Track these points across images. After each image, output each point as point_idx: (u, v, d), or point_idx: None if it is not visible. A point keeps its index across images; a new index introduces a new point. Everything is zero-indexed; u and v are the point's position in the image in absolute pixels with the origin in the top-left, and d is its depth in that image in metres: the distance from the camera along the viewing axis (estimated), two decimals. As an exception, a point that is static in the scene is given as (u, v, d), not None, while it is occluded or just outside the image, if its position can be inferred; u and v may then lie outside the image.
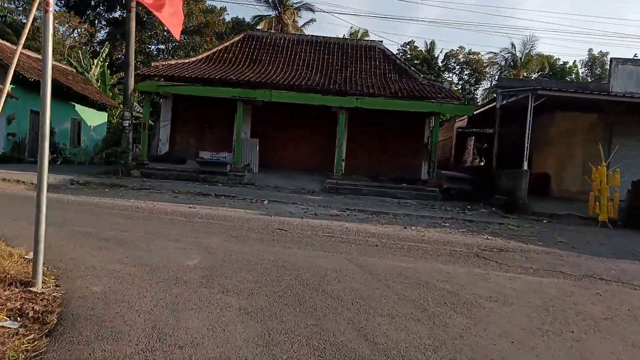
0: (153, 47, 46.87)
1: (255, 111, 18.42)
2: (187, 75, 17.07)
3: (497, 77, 54.04)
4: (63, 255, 5.17)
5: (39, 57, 23.77)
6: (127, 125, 15.94)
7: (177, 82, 16.49)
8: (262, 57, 20.38)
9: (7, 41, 23.01)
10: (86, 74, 29.19)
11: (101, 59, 30.55)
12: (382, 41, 21.77)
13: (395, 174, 17.48)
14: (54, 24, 23.67)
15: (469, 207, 13.71)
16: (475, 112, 16.40)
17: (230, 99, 16.15)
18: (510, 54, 47.57)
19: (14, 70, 16.52)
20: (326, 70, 19.64)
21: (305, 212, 10.94)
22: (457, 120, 21.58)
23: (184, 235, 6.98)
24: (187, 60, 20.13)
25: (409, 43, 55.25)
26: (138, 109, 29.85)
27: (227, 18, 47.32)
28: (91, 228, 6.98)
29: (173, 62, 19.81)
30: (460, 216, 12.02)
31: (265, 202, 12.12)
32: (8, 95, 18.29)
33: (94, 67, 30.31)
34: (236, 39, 21.92)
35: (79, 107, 23.63)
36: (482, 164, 22.46)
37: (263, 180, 15.96)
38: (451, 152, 20.82)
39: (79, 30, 42.43)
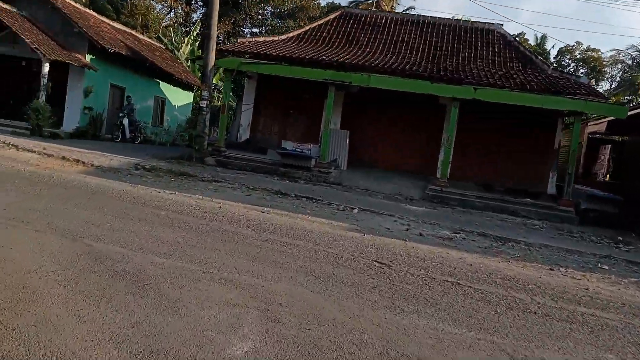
0: (247, 30, 46.00)
1: (347, 99, 15.99)
2: (274, 54, 14.99)
3: (618, 77, 47.68)
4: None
5: (125, 28, 22.99)
6: (204, 105, 14.17)
7: (263, 61, 14.47)
8: (360, 38, 17.85)
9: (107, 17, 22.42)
10: (176, 52, 28.34)
11: (192, 37, 29.59)
12: (502, 24, 18.39)
13: (511, 184, 14.33)
14: (150, 2, 21.89)
15: (620, 238, 10.40)
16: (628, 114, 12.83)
17: (320, 83, 13.86)
18: (638, 52, 41.30)
19: (94, 41, 15.22)
20: (434, 56, 16.72)
21: (407, 229, 8.38)
22: (588, 124, 17.82)
23: (243, 270, 4.70)
24: (277, 38, 18.08)
25: (518, 35, 50.13)
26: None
27: (322, 2, 45.32)
28: (114, 245, 4.91)
29: (261, 39, 17.84)
30: (616, 253, 8.85)
31: (355, 210, 9.69)
32: (87, 66, 17.38)
33: (184, 45, 29.43)
34: (331, 16, 19.55)
35: (163, 85, 22.54)
36: (606, 178, 18.44)
37: (351, 180, 13.53)
38: (579, 163, 17.17)
39: (175, 9, 42.40)
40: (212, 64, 14.18)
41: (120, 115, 18.17)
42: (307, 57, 14.98)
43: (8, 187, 7.14)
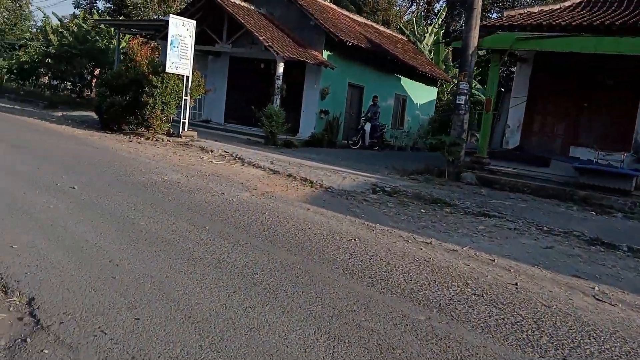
0: (495, 15, 40.49)
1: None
2: (563, 24, 10.47)
3: None
4: None
5: (365, 21, 20.78)
6: (462, 103, 10.51)
7: (551, 33, 10.12)
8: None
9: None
10: (418, 43, 25.36)
11: (436, 25, 26.18)
12: None
13: None
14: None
15: None
16: None
17: (633, 63, 8.85)
18: None
19: (331, 34, 12.84)
20: None
21: None
22: None
23: None
24: (557, 7, 13.27)
25: None
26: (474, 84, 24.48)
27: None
28: None
29: (535, 9, 13.29)
30: None
31: None
32: (323, 64, 15.52)
33: (427, 35, 26.25)
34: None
35: (405, 81, 19.68)
36: None
37: None
38: None
39: (417, 2, 39.75)
40: (475, 44, 10.42)
41: (363, 118, 15.85)
42: (617, 22, 10.02)
43: (202, 236, 4.76)
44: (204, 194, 6.78)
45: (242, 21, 13.46)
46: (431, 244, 5.61)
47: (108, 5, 27.76)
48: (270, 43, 13.17)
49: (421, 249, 5.35)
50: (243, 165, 9.88)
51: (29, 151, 8.54)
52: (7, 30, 36.09)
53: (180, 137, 12.38)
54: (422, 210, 7.43)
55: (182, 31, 12.02)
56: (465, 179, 10.07)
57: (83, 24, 18.73)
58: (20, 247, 3.92)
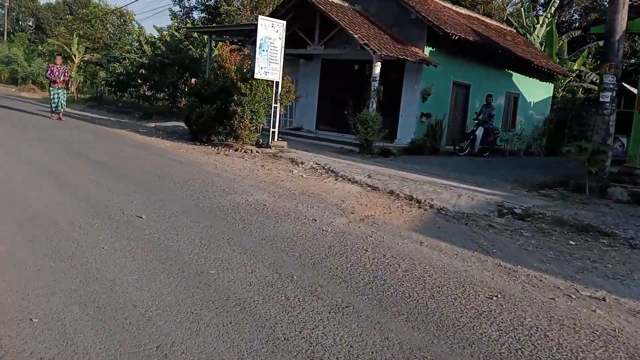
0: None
1: None
2: None
3: None
4: None
5: (470, 13, 18.79)
6: (607, 100, 8.44)
7: None
8: None
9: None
10: (528, 35, 22.79)
11: (549, 14, 23.38)
12: None
13: None
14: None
15: None
16: None
17: None
18: None
19: (435, 27, 11.00)
20: None
21: None
22: None
23: None
24: None
25: None
26: (592, 77, 21.49)
27: None
28: None
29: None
30: None
31: None
32: (425, 61, 13.88)
33: (537, 26, 23.54)
34: None
35: (517, 77, 17.44)
36: None
37: None
38: None
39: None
40: (623, 28, 8.34)
41: (475, 121, 14.04)
42: None
43: (288, 293, 3.55)
44: (292, 221, 5.60)
45: (335, 19, 12.30)
46: (605, 300, 3.97)
47: (202, 15, 28.12)
48: (365, 41, 11.87)
49: (594, 311, 3.73)
50: (337, 179, 8.65)
51: (108, 169, 7.94)
52: (112, 45, 38.29)
53: (270, 147, 11.45)
54: (572, 242, 5.70)
55: (271, 33, 11.09)
56: (614, 195, 8.03)
57: (176, 34, 18.74)
58: (43, 319, 2.90)
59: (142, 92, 23.70)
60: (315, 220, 5.73)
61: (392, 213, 6.53)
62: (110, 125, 15.28)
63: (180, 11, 28.56)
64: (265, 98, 11.26)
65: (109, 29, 41.75)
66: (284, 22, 11.30)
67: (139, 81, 19.99)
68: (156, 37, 19.30)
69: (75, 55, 33.08)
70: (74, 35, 33.03)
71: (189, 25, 22.16)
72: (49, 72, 14.88)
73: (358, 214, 6.26)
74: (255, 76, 10.98)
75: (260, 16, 10.85)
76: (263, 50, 11.00)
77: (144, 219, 5.11)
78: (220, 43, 18.19)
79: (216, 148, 11.55)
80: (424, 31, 13.25)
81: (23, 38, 48.61)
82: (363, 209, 6.61)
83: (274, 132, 11.60)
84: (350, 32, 11.96)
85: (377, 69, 12.19)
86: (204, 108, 12.01)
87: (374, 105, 12.35)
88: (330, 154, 11.67)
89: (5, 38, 54.09)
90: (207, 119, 12.01)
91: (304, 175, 8.86)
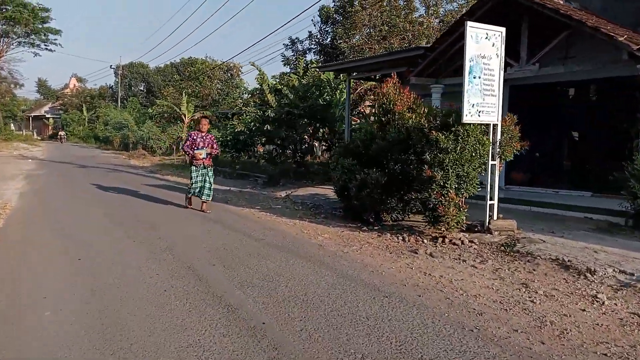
0: None
1: None
2: None
3: None
4: None
5: None
6: None
7: None
8: None
9: None
10: None
11: None
12: None
13: None
14: None
15: None
16: None
17: None
18: None
19: None
20: None
21: None
22: None
23: None
24: None
25: None
26: None
27: None
28: None
29: None
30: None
31: None
32: None
33: None
34: None
35: None
36: None
37: None
38: None
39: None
40: None
41: None
42: None
43: None
44: None
45: (579, 18, 7.74)
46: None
47: (317, 57, 25.00)
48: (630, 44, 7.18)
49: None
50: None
51: (212, 299, 3.96)
52: (220, 100, 36.71)
53: (490, 232, 7.00)
54: None
55: (485, 48, 6.85)
56: None
57: (302, 77, 15.31)
58: None
59: (261, 151, 20.60)
60: None
61: None
62: (230, 198, 11.78)
63: (293, 55, 25.70)
64: (478, 153, 6.92)
65: (217, 85, 40.65)
66: (503, 30, 7.01)
67: (263, 139, 16.63)
68: (282, 83, 15.99)
69: (185, 115, 31.57)
70: (183, 94, 31.64)
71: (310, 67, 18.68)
72: (188, 142, 9.55)
73: None
74: (465, 120, 6.72)
75: (469, 22, 6.66)
76: (474, 77, 6.76)
77: None
78: (369, 82, 14.46)
79: (398, 237, 7.33)
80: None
81: (135, 103, 49.62)
82: None
83: (491, 204, 7.16)
84: (612, 34, 7.32)
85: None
86: (369, 174, 7.99)
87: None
88: (587, 234, 6.96)
89: (119, 104, 56.12)
90: (374, 190, 7.94)
91: (621, 313, 4.24)
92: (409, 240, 7.14)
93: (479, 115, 6.85)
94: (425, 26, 20.49)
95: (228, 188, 14.05)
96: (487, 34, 6.87)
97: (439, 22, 21.26)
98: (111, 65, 60.70)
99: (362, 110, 18.78)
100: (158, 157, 28.44)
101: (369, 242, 7.13)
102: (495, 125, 7.08)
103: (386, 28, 19.63)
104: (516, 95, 11.03)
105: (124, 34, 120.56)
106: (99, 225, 8.35)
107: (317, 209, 10.26)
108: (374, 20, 20.17)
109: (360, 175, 8.25)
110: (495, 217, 7.23)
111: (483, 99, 6.87)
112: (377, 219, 8.29)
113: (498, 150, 7.14)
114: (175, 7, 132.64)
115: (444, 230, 7.09)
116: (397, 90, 8.71)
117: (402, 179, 8.11)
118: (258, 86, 27.77)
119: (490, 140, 7.03)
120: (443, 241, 6.95)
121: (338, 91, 15.06)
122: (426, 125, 7.11)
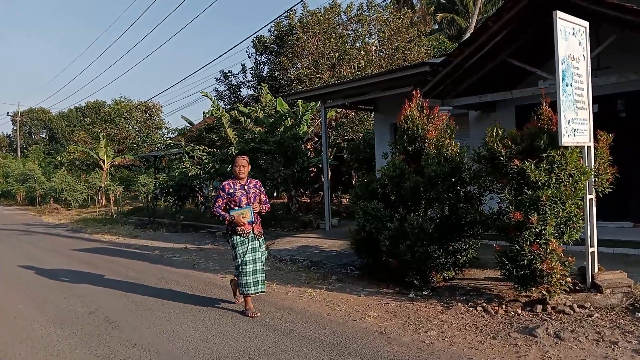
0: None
1: None
2: None
3: None
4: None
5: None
6: None
7: None
8: None
9: None
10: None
11: None
12: None
13: None
14: None
15: None
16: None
17: None
18: None
19: None
20: None
21: None
22: None
23: None
24: None
25: None
26: None
27: None
28: None
29: None
30: None
31: None
32: None
33: None
34: None
35: None
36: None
37: None
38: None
39: None
40: None
41: None
42: None
43: None
44: None
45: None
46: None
47: (249, 91, 22.97)
48: None
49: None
50: None
51: None
52: (140, 143, 33.34)
53: (598, 289, 5.22)
54: None
55: (573, 47, 5.22)
56: None
57: (264, 109, 13.04)
58: None
59: (200, 198, 17.94)
60: None
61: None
62: (202, 263, 9.22)
63: (227, 90, 23.39)
64: (580, 185, 5.17)
65: (134, 126, 37.10)
66: (587, 25, 5.42)
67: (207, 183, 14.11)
68: (242, 114, 13.53)
69: (104, 161, 27.93)
70: (101, 138, 28.12)
71: (240, 107, 16.35)
72: (221, 200, 5.51)
73: None
74: (564, 142, 4.97)
75: (558, 12, 4.99)
76: (567, 85, 5.07)
77: None
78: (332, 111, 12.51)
79: (475, 307, 5.36)
80: None
81: (38, 151, 44.48)
82: None
83: (592, 251, 5.41)
84: None
85: None
86: (407, 220, 6.06)
87: None
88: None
89: (19, 154, 50.31)
90: (419, 241, 5.97)
91: None
92: (496, 312, 5.17)
93: (574, 136, 5.14)
94: (374, 52, 19.35)
95: (183, 246, 11.36)
96: (573, 29, 5.25)
97: (384, 48, 20.13)
98: (8, 112, 54.88)
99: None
100: (74, 211, 24.53)
101: (443, 321, 5.06)
102: (589, 148, 5.41)
103: (336, 55, 18.12)
104: (523, 116, 9.62)
105: (22, 78, 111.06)
106: None
107: (318, 268, 8.06)
108: (320, 49, 18.62)
109: (394, 224, 6.24)
110: (596, 268, 5.47)
111: (577, 114, 5.19)
112: (424, 280, 6.27)
113: (592, 179, 5.45)
114: (80, 49, 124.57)
115: (539, 294, 5.20)
116: (423, 111, 6.94)
117: (453, 225, 6.23)
118: (187, 125, 25.18)
119: (586, 167, 5.33)
120: (544, 309, 5.06)
121: (302, 123, 13.07)
122: (503, 152, 5.26)
